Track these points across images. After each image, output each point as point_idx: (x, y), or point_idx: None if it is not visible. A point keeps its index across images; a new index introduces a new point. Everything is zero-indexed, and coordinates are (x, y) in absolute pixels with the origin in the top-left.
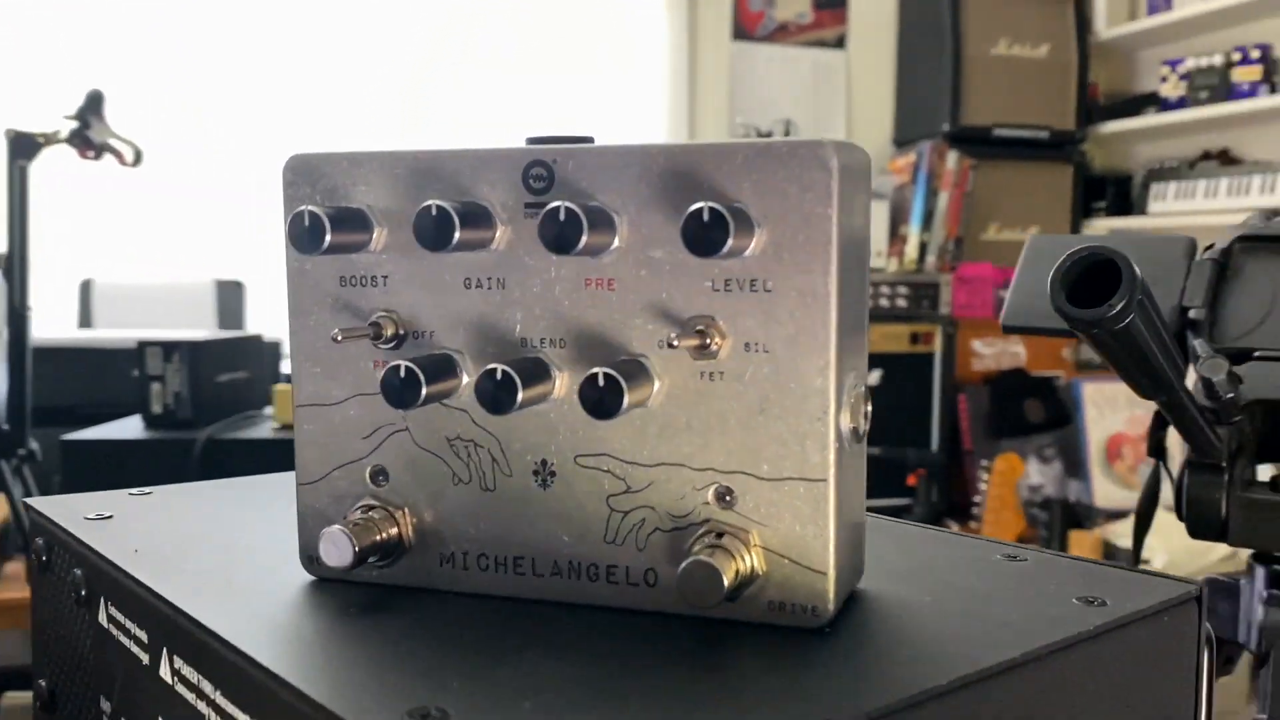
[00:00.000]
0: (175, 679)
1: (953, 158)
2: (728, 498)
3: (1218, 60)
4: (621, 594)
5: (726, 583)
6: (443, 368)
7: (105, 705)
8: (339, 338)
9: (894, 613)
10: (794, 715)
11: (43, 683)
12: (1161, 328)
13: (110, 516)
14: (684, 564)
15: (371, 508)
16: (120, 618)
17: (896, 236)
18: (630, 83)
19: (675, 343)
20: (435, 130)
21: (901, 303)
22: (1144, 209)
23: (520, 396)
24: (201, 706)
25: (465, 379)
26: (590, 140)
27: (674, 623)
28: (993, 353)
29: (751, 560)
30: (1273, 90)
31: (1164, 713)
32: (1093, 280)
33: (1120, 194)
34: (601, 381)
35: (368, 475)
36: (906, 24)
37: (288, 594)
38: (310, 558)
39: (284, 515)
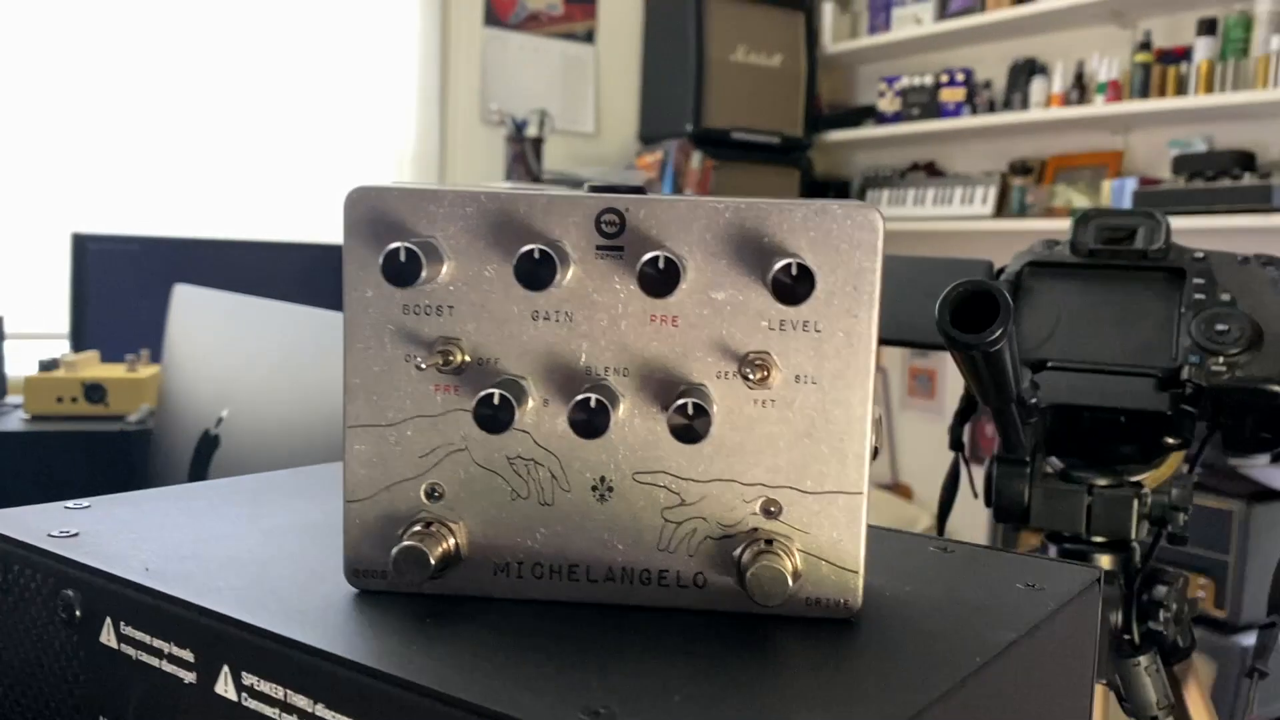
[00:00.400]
0: (243, 694)
1: (696, 158)
2: (773, 509)
3: (928, 80)
4: (672, 596)
5: (791, 584)
6: (519, 393)
7: None
8: (423, 365)
9: (894, 603)
10: (893, 694)
11: None
12: (1016, 349)
13: (76, 534)
14: (753, 569)
15: (428, 523)
16: (142, 638)
17: None
18: (380, 64)
19: (750, 375)
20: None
21: None
22: None
23: (614, 421)
24: None
25: (531, 403)
26: (643, 190)
27: (721, 619)
28: None
29: (795, 562)
30: (974, 111)
31: (1083, 673)
32: (961, 308)
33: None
34: (691, 410)
35: (422, 492)
36: (652, 24)
37: (345, 605)
38: (357, 571)
39: (256, 524)
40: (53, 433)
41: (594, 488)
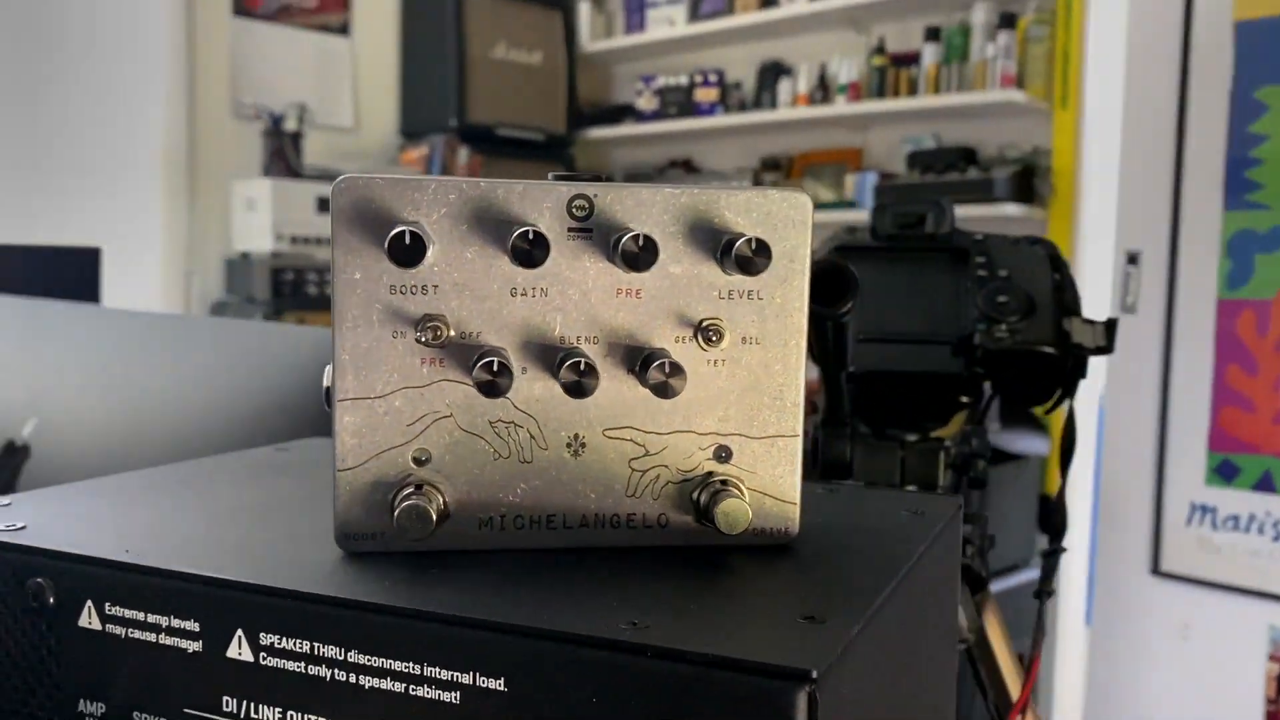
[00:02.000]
0: (260, 654)
1: (464, 153)
2: (724, 454)
3: (684, 80)
4: (638, 536)
5: (751, 516)
6: (506, 362)
7: (91, 707)
8: (423, 339)
9: (815, 530)
10: (849, 594)
11: None
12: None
13: (24, 526)
14: (719, 506)
15: (418, 485)
16: (134, 615)
17: None
18: (125, 57)
19: (706, 339)
20: None
21: None
22: None
23: (600, 382)
24: (318, 670)
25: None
26: (600, 178)
27: (682, 552)
28: None
29: (746, 499)
30: (726, 110)
31: (955, 579)
32: (815, 283)
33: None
34: (668, 370)
35: (410, 458)
36: (409, 18)
37: (345, 565)
38: (347, 535)
39: (205, 507)
40: None
41: (569, 444)
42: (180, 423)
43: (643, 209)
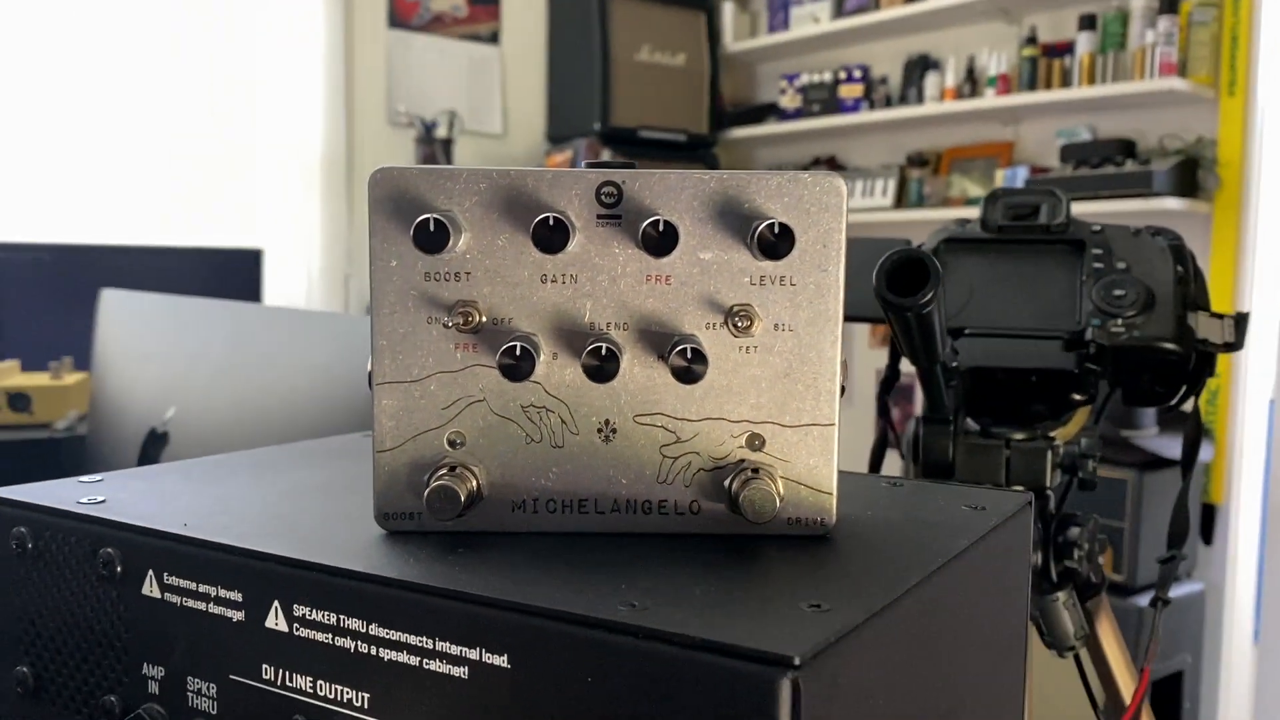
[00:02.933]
0: (294, 625)
1: (606, 156)
2: (757, 442)
3: (827, 77)
4: (670, 523)
5: (779, 504)
6: (534, 347)
7: (153, 670)
8: (449, 324)
9: (860, 523)
10: (868, 584)
11: (25, 669)
12: (943, 313)
13: (104, 500)
14: (745, 492)
15: (452, 467)
16: (187, 585)
17: None
18: (285, 67)
19: (736, 325)
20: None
21: None
22: None
23: (621, 367)
24: (344, 642)
25: (542, 357)
26: (634, 165)
27: (713, 540)
28: None
29: (779, 487)
30: (871, 106)
31: (1021, 578)
32: (896, 274)
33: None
34: (690, 355)
35: (445, 440)
36: (556, 25)
37: (379, 542)
38: (386, 514)
39: (270, 487)
40: None
41: (599, 430)
42: (304, 409)
43: (672, 194)
